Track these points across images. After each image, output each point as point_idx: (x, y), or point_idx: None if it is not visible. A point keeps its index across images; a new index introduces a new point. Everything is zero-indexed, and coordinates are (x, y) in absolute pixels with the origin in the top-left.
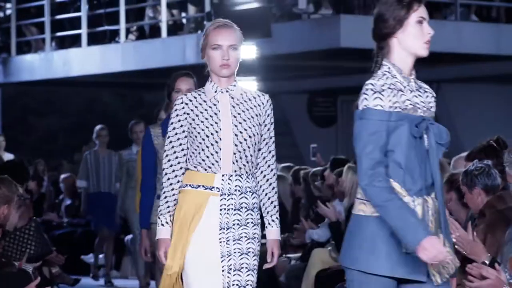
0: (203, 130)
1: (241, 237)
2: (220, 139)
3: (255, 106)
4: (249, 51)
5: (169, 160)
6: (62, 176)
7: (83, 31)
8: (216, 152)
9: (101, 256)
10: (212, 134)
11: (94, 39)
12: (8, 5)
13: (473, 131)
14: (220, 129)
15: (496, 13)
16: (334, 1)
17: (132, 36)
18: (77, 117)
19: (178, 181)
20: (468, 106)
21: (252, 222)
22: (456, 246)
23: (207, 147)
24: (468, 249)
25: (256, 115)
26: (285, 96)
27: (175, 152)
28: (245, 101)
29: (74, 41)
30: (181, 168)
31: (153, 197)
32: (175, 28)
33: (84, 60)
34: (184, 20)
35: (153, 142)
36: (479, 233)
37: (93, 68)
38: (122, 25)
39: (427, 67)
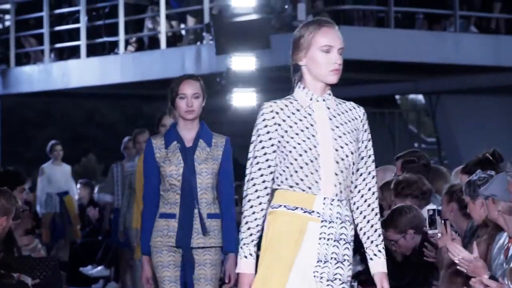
0: (299, 144)
1: (335, 279)
2: (319, 155)
3: (352, 119)
4: (248, 62)
5: (254, 182)
6: None
7: (82, 42)
8: (316, 171)
9: (99, 268)
10: (310, 149)
11: (93, 50)
12: (7, 17)
13: (473, 142)
14: (318, 144)
15: (495, 25)
16: (333, 12)
17: (131, 47)
18: (76, 128)
19: (262, 210)
20: (467, 117)
21: (348, 260)
22: (458, 267)
23: (306, 164)
24: (470, 268)
25: (354, 130)
26: None
27: (262, 174)
28: (342, 113)
29: (73, 53)
30: (267, 194)
31: (154, 218)
32: (174, 40)
33: (83, 72)
34: (183, 32)
35: (155, 155)
36: (481, 243)
37: (92, 79)
38: (121, 37)
39: (426, 79)
